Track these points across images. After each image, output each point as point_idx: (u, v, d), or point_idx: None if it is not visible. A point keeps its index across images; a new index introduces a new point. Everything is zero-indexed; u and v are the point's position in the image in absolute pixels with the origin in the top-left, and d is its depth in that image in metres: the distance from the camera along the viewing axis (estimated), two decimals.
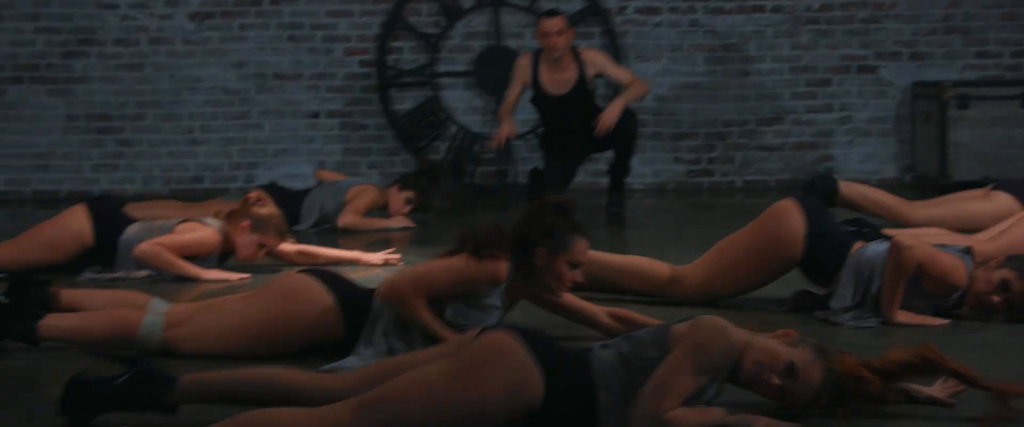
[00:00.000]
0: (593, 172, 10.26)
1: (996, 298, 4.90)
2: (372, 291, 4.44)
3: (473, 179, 10.24)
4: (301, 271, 4.54)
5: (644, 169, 10.30)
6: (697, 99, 10.34)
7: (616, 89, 9.08)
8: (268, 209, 6.21)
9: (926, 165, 9.98)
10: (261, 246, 6.16)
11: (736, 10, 10.26)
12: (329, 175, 8.49)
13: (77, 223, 6.26)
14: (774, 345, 3.50)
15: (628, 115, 8.64)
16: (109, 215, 6.35)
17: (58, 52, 10.12)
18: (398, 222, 7.93)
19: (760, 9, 10.27)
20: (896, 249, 4.87)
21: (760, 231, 5.16)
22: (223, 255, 6.27)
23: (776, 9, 10.27)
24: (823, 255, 5.07)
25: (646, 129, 10.31)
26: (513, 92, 8.85)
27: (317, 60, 10.23)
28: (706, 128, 10.36)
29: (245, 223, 6.16)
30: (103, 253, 6.22)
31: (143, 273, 6.13)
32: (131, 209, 7.11)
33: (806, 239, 5.06)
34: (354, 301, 4.38)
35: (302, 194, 8.06)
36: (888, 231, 5.78)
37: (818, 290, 5.18)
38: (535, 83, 8.78)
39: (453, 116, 10.23)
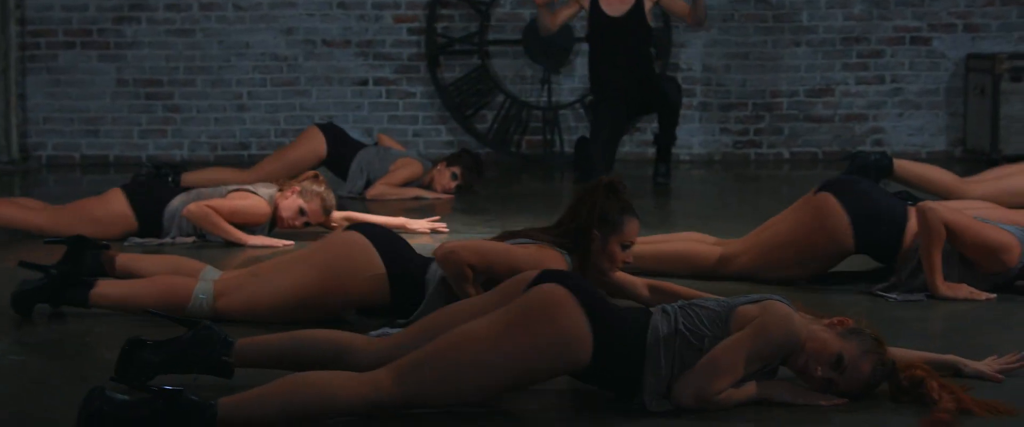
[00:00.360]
0: (640, 142, 10.22)
1: None
2: (426, 260, 4.45)
3: (519, 148, 10.22)
4: (352, 229, 4.50)
5: (691, 140, 10.24)
6: (746, 69, 10.26)
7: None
8: (322, 185, 6.24)
9: (977, 138, 9.87)
10: (302, 213, 6.18)
11: None
12: (389, 142, 8.47)
13: (118, 206, 6.29)
14: (826, 335, 3.45)
15: (671, 81, 8.61)
16: (147, 195, 6.37)
17: (110, 17, 10.17)
18: (433, 193, 7.91)
19: None
20: (920, 212, 4.82)
21: (806, 227, 5.10)
22: (272, 224, 6.30)
23: None
24: (877, 237, 5.01)
25: (694, 99, 10.26)
26: (567, 11, 8.72)
27: (366, 27, 10.23)
28: (755, 99, 10.29)
29: (295, 188, 6.19)
30: (151, 232, 6.28)
31: (189, 238, 6.17)
32: (188, 178, 7.17)
33: (853, 228, 5.00)
34: (405, 269, 4.38)
35: (357, 147, 8.05)
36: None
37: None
38: (593, 3, 8.66)
39: (501, 85, 10.21)
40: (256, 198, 6.22)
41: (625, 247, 4.26)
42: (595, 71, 8.69)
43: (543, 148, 10.17)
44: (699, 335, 3.40)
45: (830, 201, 5.03)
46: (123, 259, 4.83)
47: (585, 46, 9.35)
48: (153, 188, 6.49)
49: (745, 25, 10.22)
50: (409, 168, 8.00)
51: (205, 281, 4.47)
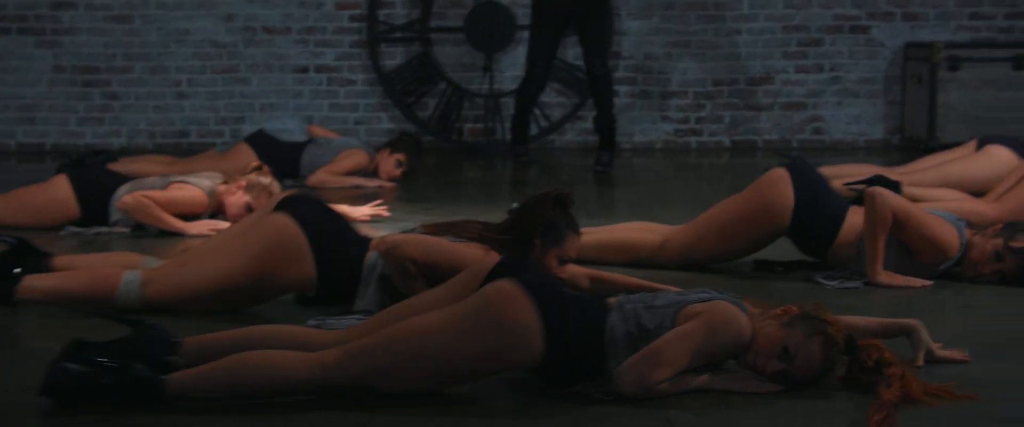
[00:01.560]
0: (582, 131, 10.24)
1: (988, 269, 4.88)
2: (364, 243, 4.41)
3: (461, 136, 10.20)
4: (284, 213, 4.39)
5: (632, 128, 10.27)
6: (687, 58, 10.30)
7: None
8: (268, 178, 6.19)
9: (914, 127, 9.96)
10: (250, 210, 6.13)
11: None
12: (321, 131, 8.46)
13: (61, 193, 6.20)
14: (770, 329, 3.44)
15: (598, 60, 8.72)
16: (93, 181, 6.27)
17: (46, 3, 10.05)
18: (373, 181, 7.87)
19: None
20: (869, 197, 4.85)
21: (750, 199, 5.13)
22: (214, 215, 6.25)
23: None
24: (812, 224, 5.04)
25: (635, 87, 10.28)
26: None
27: (307, 14, 10.17)
28: (695, 87, 10.33)
29: (241, 183, 6.14)
30: (94, 220, 6.20)
31: (123, 228, 6.10)
32: (119, 166, 7.07)
33: (795, 208, 5.03)
34: (337, 257, 4.34)
35: (294, 147, 8.02)
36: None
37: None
38: None
39: (443, 72, 10.19)
40: (194, 189, 6.16)
41: (562, 262, 4.26)
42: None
43: (485, 135, 10.16)
44: (647, 329, 3.40)
45: (783, 175, 5.08)
46: (62, 262, 4.70)
47: (526, 33, 9.35)
48: (98, 175, 6.40)
49: (686, 14, 10.25)
50: (354, 158, 7.97)
51: (134, 270, 4.42)
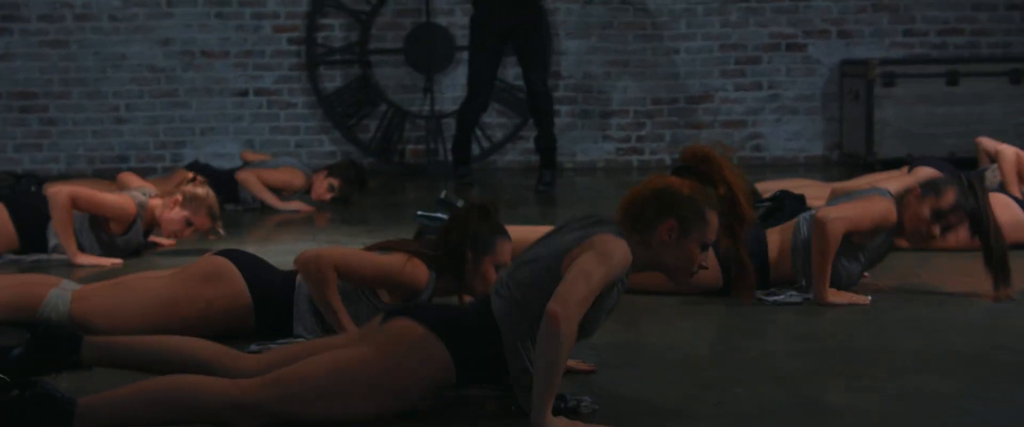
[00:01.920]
0: (523, 151, 10.26)
1: (935, 228, 4.97)
2: (291, 276, 4.42)
3: (403, 158, 10.20)
4: (220, 253, 4.50)
5: (573, 147, 10.31)
6: (627, 77, 10.36)
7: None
8: (204, 189, 6.14)
9: (852, 143, 10.06)
10: (189, 224, 6.09)
11: None
12: (254, 156, 8.47)
13: (0, 223, 6.11)
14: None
15: (538, 79, 8.78)
16: (29, 207, 6.15)
17: None
18: (292, 205, 7.86)
19: None
20: (820, 224, 4.90)
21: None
22: (147, 231, 6.20)
23: None
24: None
25: (576, 107, 10.32)
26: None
27: (245, 37, 10.13)
28: (635, 106, 10.38)
29: (177, 197, 6.09)
30: (33, 247, 6.10)
31: (60, 255, 6.01)
32: (51, 188, 7.00)
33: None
34: (271, 291, 4.37)
35: (232, 173, 8.00)
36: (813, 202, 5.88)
37: None
38: None
39: (383, 94, 10.18)
40: (122, 197, 6.08)
41: (498, 267, 4.29)
42: (473, 23, 8.87)
43: (427, 157, 10.15)
44: (537, 295, 3.39)
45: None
46: None
47: (465, 54, 9.36)
48: (34, 201, 6.30)
49: (624, 33, 10.31)
50: (289, 174, 8.02)
51: (63, 288, 4.37)
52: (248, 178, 7.87)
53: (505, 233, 4.33)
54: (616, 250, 3.37)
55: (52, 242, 6.06)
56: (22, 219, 6.10)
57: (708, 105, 10.38)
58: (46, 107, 10.05)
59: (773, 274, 5.12)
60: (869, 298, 4.94)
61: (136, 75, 10.06)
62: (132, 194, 6.13)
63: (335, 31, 10.19)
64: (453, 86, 10.20)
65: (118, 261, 5.95)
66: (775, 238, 5.15)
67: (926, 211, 4.97)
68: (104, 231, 6.06)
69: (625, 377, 3.86)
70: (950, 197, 4.97)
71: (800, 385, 3.76)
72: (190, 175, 6.33)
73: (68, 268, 5.80)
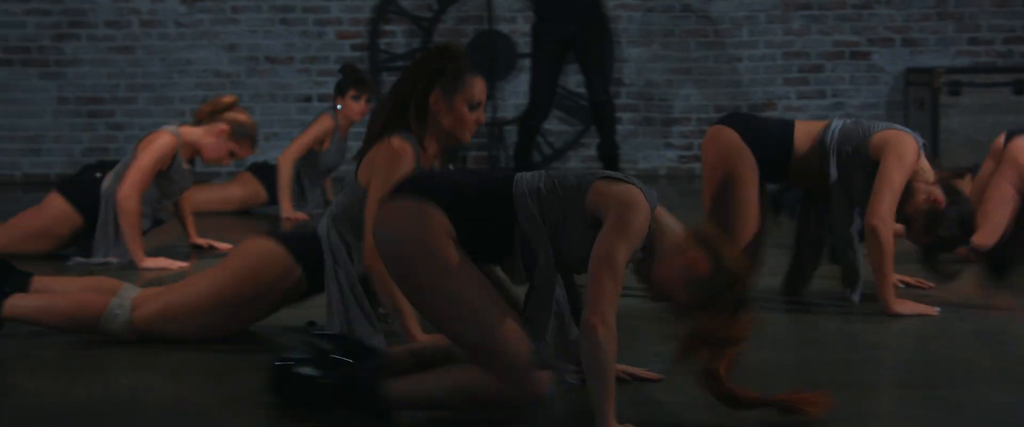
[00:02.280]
0: (586, 158, 10.26)
1: (923, 220, 4.92)
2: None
3: (465, 164, 10.22)
4: (259, 237, 4.46)
5: (635, 155, 10.30)
6: (689, 84, 10.33)
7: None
8: (244, 115, 6.20)
9: None
10: (232, 154, 6.13)
11: None
12: None
13: (58, 207, 6.21)
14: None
15: (600, 87, 8.78)
16: (83, 188, 6.26)
17: (49, 34, 10.09)
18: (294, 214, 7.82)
19: None
20: (870, 232, 4.83)
21: (714, 167, 5.11)
22: (191, 159, 6.22)
23: None
24: (766, 155, 5.00)
25: (637, 114, 10.31)
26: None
27: (309, 43, 10.21)
28: (698, 114, 10.36)
29: (223, 127, 6.13)
30: (95, 222, 6.14)
31: (118, 259, 6.05)
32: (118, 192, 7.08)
33: (750, 147, 5.04)
34: (318, 258, 4.29)
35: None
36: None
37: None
38: None
39: None
40: (159, 139, 6.07)
41: (473, 107, 4.04)
42: (535, 32, 8.88)
43: (488, 163, 10.18)
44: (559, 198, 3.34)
45: (722, 130, 5.10)
46: (40, 282, 4.65)
47: (528, 62, 9.38)
48: (84, 181, 6.36)
49: (686, 41, 10.29)
50: (319, 123, 8.00)
51: (123, 296, 4.40)
52: (282, 164, 7.87)
53: (476, 69, 4.06)
54: (637, 213, 3.28)
55: (100, 250, 6.06)
56: (78, 198, 6.18)
57: (771, 113, 10.34)
58: (113, 112, 10.17)
59: (793, 167, 5.06)
60: (938, 310, 4.89)
61: (201, 80, 10.16)
62: (165, 130, 6.15)
63: (397, 37, 10.24)
64: (515, 93, 10.22)
65: (185, 264, 6.01)
66: (803, 129, 5.08)
67: (934, 196, 4.88)
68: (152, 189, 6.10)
69: (686, 387, 3.85)
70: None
71: (867, 395, 3.73)
72: (228, 99, 6.30)
73: (128, 273, 5.85)
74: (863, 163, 4.91)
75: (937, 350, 4.34)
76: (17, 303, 4.40)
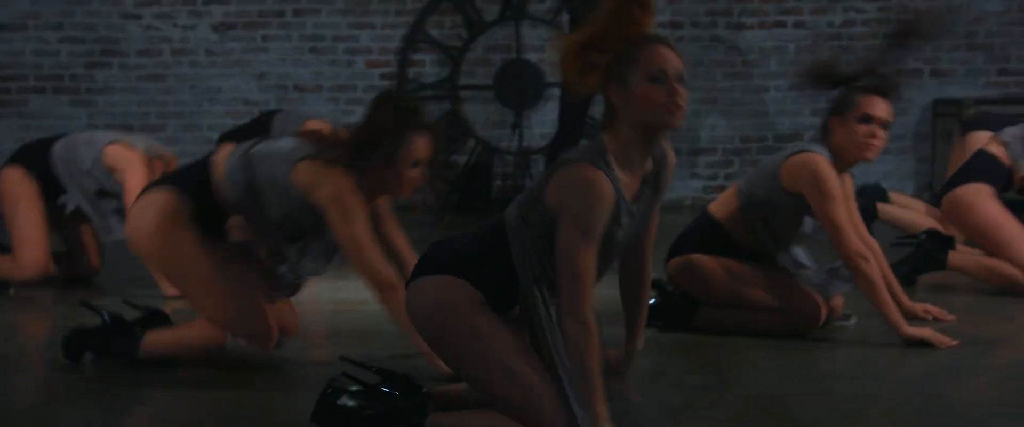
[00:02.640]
0: None
1: (867, 127, 5.32)
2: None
3: (491, 193, 10.25)
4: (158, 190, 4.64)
5: None
6: (715, 114, 10.34)
7: None
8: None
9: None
10: None
11: (758, 25, 10.26)
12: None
13: (14, 178, 6.25)
14: None
15: None
16: (32, 152, 6.36)
17: (81, 62, 10.18)
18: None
19: (781, 25, 10.27)
20: (851, 270, 4.85)
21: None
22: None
23: (798, 25, 10.27)
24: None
25: None
26: None
27: (338, 72, 10.27)
28: (724, 144, 10.36)
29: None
30: (52, 181, 6.22)
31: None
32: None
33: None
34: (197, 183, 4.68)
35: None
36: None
37: None
38: None
39: (473, 130, 10.25)
40: (134, 165, 6.19)
41: (416, 165, 4.11)
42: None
43: (515, 193, 10.20)
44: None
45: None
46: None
47: (556, 91, 9.41)
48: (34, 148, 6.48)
49: (713, 71, 10.31)
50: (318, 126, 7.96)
51: None
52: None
53: (424, 128, 4.08)
54: (572, 196, 3.31)
55: (64, 172, 6.21)
56: (27, 161, 6.30)
57: (797, 144, 10.31)
58: None
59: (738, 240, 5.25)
60: (957, 341, 4.87)
61: (231, 109, 10.23)
62: (138, 146, 6.25)
63: (426, 67, 10.29)
64: (542, 122, 10.25)
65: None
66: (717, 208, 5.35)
67: (852, 122, 5.10)
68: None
69: (710, 420, 3.85)
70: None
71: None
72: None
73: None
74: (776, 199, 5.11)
75: (968, 385, 4.33)
76: (154, 339, 4.41)
